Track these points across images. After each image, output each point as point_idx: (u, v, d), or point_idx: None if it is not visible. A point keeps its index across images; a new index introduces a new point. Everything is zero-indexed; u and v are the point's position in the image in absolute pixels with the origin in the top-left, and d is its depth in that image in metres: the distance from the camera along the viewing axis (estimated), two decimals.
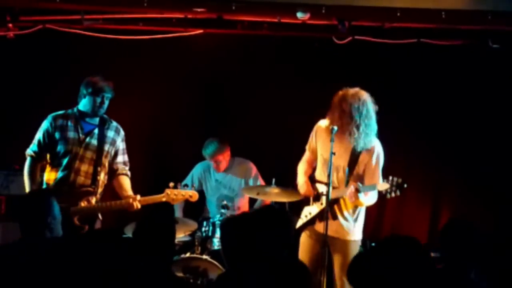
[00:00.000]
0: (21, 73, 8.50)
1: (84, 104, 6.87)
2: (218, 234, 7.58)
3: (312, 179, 6.86)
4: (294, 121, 8.27)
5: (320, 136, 6.77)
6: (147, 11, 8.08)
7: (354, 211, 6.67)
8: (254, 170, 8.33)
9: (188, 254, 7.45)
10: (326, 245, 6.45)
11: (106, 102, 6.86)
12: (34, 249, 5.08)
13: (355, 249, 6.58)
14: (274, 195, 7.48)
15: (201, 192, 8.47)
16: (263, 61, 8.59)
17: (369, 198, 6.59)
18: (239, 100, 8.74)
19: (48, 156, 6.85)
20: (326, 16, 7.84)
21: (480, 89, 8.39)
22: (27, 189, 6.76)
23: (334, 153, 6.43)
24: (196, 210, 8.42)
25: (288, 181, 7.52)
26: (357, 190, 6.44)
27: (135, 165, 7.64)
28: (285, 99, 8.53)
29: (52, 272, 4.82)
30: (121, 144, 7.03)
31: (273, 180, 7.51)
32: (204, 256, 7.39)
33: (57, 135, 6.82)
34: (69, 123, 6.85)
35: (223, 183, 8.34)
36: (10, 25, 8.25)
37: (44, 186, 6.82)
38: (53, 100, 7.57)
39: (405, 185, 6.33)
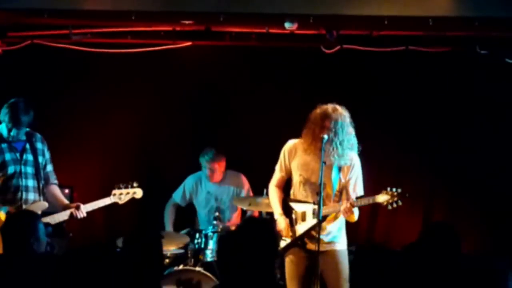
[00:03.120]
0: (10, 89, 8.48)
1: (2, 128, 6.91)
2: (210, 246, 7.58)
3: (286, 200, 6.69)
4: (285, 131, 8.25)
5: (296, 155, 6.64)
6: (135, 25, 8.10)
7: (336, 222, 6.61)
8: (246, 184, 8.33)
9: (181, 267, 7.44)
10: (309, 257, 6.45)
11: (22, 131, 6.90)
12: (17, 265, 5.11)
13: (345, 258, 6.50)
14: (266, 205, 7.48)
15: (191, 204, 8.48)
16: (252, 72, 8.60)
17: (357, 212, 6.57)
18: (229, 111, 8.74)
19: None
20: (314, 26, 7.86)
21: (469, 95, 8.41)
22: None
23: (324, 163, 6.39)
24: (186, 222, 8.42)
25: None
26: (352, 206, 6.37)
27: (126, 177, 7.65)
28: (275, 109, 8.54)
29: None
30: (47, 154, 7.11)
31: (265, 191, 7.51)
32: (197, 268, 7.38)
33: None
34: (2, 145, 6.91)
35: (215, 195, 8.33)
36: None
37: None
38: (42, 115, 7.56)
39: (407, 195, 6.30)
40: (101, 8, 7.56)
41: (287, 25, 7.64)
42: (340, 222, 6.60)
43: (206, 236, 7.63)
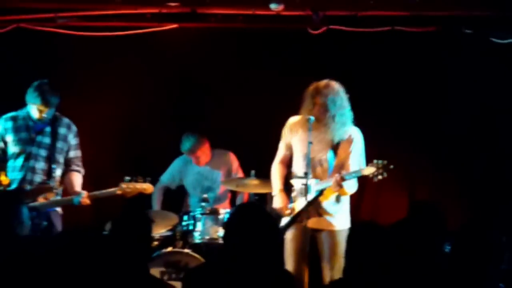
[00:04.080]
0: None
1: (30, 109, 6.99)
2: (199, 227, 7.58)
3: (289, 177, 6.84)
4: (272, 112, 8.28)
5: (296, 132, 6.78)
6: (121, 7, 8.09)
7: (336, 201, 6.68)
8: (235, 163, 8.32)
9: (169, 249, 7.46)
10: (306, 235, 6.53)
11: (51, 112, 6.98)
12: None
13: (342, 239, 6.46)
14: (253, 186, 7.51)
15: (181, 186, 8.49)
16: (238, 54, 8.59)
17: (351, 187, 6.61)
18: (215, 93, 8.74)
19: (2, 156, 7.00)
20: (300, 7, 7.87)
21: (455, 74, 8.43)
22: None
23: (311, 143, 6.48)
24: (176, 204, 8.44)
25: (267, 172, 7.54)
26: (342, 179, 6.44)
27: (111, 162, 7.71)
28: (261, 90, 8.53)
29: (24, 272, 4.84)
30: (73, 140, 7.17)
31: (253, 172, 7.54)
32: (186, 250, 7.41)
33: (10, 137, 6.99)
34: (20, 124, 7.01)
35: (205, 175, 8.33)
36: None
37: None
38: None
39: (392, 166, 6.35)
40: None
41: (273, 6, 7.65)
42: (342, 201, 6.67)
43: (194, 217, 7.64)
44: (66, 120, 7.15)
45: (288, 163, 6.88)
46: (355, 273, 4.50)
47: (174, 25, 8.40)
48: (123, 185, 6.96)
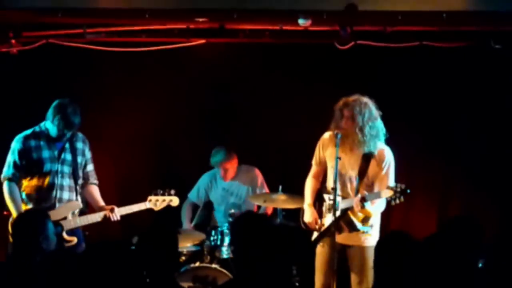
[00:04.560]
0: (25, 89, 8.54)
1: (51, 128, 6.96)
2: (226, 242, 7.59)
3: (321, 192, 6.90)
4: (299, 127, 8.29)
5: (327, 148, 6.81)
6: (149, 23, 8.11)
7: (367, 218, 6.66)
8: (259, 178, 8.32)
9: (197, 264, 7.48)
10: (335, 250, 6.51)
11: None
12: (26, 266, 5.16)
13: (371, 255, 6.53)
14: (281, 202, 7.50)
15: (209, 202, 8.50)
16: (266, 69, 8.61)
17: (376, 207, 6.60)
18: (243, 108, 8.76)
19: (24, 175, 6.97)
20: (328, 22, 7.85)
21: (483, 90, 8.38)
22: (14, 213, 6.84)
23: (339, 158, 6.48)
24: (204, 220, 8.44)
25: (295, 188, 7.52)
26: (363, 199, 6.45)
27: (140, 176, 7.66)
28: (289, 105, 8.55)
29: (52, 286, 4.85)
30: (88, 154, 7.22)
31: (280, 187, 7.53)
32: (213, 265, 7.43)
33: (33, 155, 6.96)
34: (42, 142, 6.99)
35: (230, 191, 8.35)
36: (13, 41, 8.30)
37: (29, 204, 6.95)
38: None
39: (409, 191, 6.31)
40: (115, 7, 7.59)
41: (301, 21, 7.62)
42: (370, 220, 6.67)
43: (222, 233, 7.64)
44: (80, 135, 7.17)
45: (320, 177, 6.95)
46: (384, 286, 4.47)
47: (202, 41, 8.42)
48: (151, 198, 7.05)
